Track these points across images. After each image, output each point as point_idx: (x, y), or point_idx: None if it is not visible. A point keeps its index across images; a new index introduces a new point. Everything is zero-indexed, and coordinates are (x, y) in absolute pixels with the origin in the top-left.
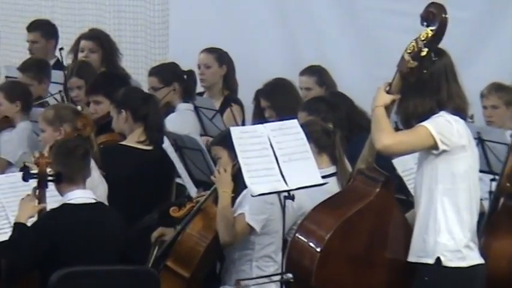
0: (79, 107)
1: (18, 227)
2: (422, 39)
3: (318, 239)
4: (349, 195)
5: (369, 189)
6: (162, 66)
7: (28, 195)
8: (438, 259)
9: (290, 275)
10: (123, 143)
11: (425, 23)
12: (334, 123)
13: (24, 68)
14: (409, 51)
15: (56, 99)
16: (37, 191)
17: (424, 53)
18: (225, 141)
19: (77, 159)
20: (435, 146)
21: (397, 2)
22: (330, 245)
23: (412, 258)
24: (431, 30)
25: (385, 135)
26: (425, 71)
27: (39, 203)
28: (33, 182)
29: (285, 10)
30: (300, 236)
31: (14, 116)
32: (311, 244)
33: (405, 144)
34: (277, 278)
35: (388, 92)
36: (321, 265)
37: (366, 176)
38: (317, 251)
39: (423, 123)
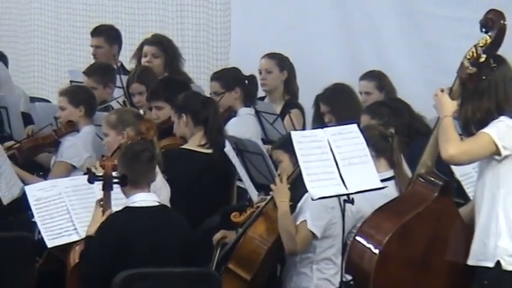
0: (141, 111)
1: (87, 240)
2: (481, 45)
3: (377, 242)
4: (408, 200)
5: (427, 193)
6: (223, 71)
7: (97, 203)
8: (498, 263)
9: (349, 277)
10: (184, 146)
11: (484, 30)
12: (396, 127)
13: (89, 72)
14: (468, 57)
15: (119, 103)
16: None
17: (482, 59)
18: (286, 145)
19: (142, 163)
20: (497, 152)
21: (457, 9)
22: (388, 248)
23: (471, 261)
24: (490, 36)
25: (451, 145)
26: (484, 77)
27: (103, 207)
28: (97, 185)
29: (346, 16)
30: (359, 239)
31: (77, 121)
32: (370, 247)
33: (470, 153)
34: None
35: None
36: (379, 268)
37: (425, 180)
38: (375, 254)
39: (485, 130)
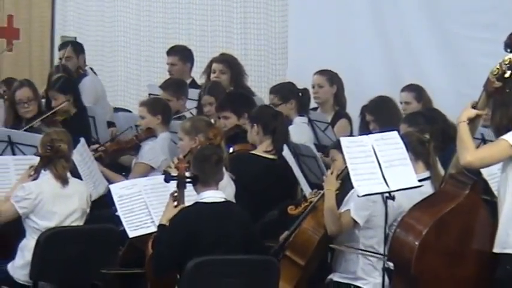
0: (212, 120)
1: (160, 228)
2: (506, 63)
3: (416, 233)
4: (442, 197)
5: (459, 191)
6: (280, 85)
7: (170, 197)
8: None
9: (391, 264)
10: (253, 152)
11: (508, 50)
12: (430, 134)
13: (165, 86)
14: (494, 73)
15: (191, 113)
16: (176, 192)
17: (507, 75)
18: (341, 146)
19: (211, 164)
20: None
21: (483, 31)
22: (426, 239)
23: (496, 249)
24: None
25: (467, 152)
26: (508, 90)
27: (177, 202)
28: (172, 184)
29: (387, 36)
30: (401, 231)
31: (155, 128)
32: (410, 238)
33: (486, 159)
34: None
35: (474, 108)
36: (419, 257)
37: (456, 180)
38: (415, 244)
39: (503, 137)
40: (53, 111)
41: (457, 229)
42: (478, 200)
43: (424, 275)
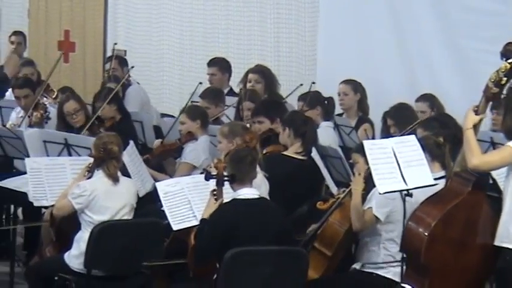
0: (248, 124)
1: (202, 222)
2: (502, 70)
3: (426, 225)
4: (448, 193)
5: (462, 188)
6: (308, 93)
7: (211, 194)
8: None
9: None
10: (284, 153)
11: (504, 58)
12: (444, 137)
13: (204, 95)
14: (492, 80)
15: (228, 118)
16: (216, 190)
17: (503, 82)
18: (362, 150)
19: (246, 165)
20: None
21: (493, 44)
22: (434, 230)
23: (497, 242)
24: (509, 63)
25: (474, 157)
26: (503, 95)
27: (217, 198)
28: (212, 182)
29: (406, 49)
30: (412, 223)
31: (195, 131)
32: (420, 230)
33: (491, 163)
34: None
35: (476, 113)
36: (428, 246)
37: (460, 177)
38: (425, 235)
39: (509, 143)
40: (95, 116)
41: (461, 222)
42: (480, 196)
43: (432, 263)
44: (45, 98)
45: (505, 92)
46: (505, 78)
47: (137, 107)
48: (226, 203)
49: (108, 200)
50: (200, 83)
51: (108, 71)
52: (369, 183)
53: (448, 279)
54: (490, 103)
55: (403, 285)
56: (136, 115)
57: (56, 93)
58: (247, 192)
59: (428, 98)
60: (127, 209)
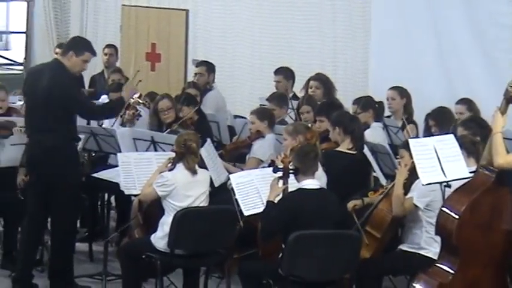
0: (309, 124)
1: (268, 203)
2: None
3: (456, 211)
4: (476, 183)
5: (487, 179)
6: (361, 98)
7: (274, 179)
8: None
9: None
10: (338, 149)
11: None
12: (480, 136)
13: (270, 98)
14: (510, 85)
15: (292, 118)
16: (281, 180)
17: None
18: (408, 146)
19: (310, 159)
20: None
21: None
22: (464, 214)
23: None
24: None
25: (499, 157)
26: None
27: (284, 182)
28: (278, 174)
29: (445, 60)
30: (445, 209)
31: (263, 130)
32: (451, 214)
33: None
34: None
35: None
36: (459, 228)
37: (486, 169)
38: (455, 218)
39: None
40: (183, 119)
41: (486, 208)
42: (503, 185)
43: (462, 244)
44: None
45: None
46: None
47: (213, 109)
48: (291, 191)
49: (188, 189)
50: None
51: (196, 75)
52: (413, 175)
53: (476, 258)
54: (510, 104)
55: (414, 284)
56: (213, 116)
57: (143, 97)
58: (310, 183)
59: (467, 102)
60: (204, 197)
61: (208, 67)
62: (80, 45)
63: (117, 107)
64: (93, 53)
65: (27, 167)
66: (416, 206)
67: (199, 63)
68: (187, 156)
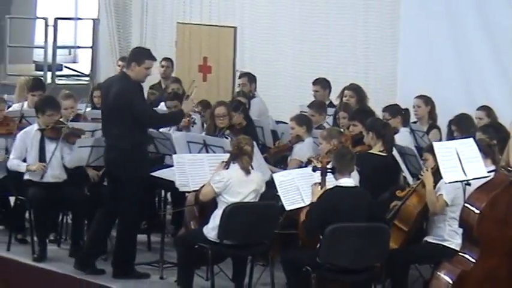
0: (342, 129)
1: (311, 204)
2: None
3: (477, 206)
4: (495, 182)
5: (506, 178)
6: (390, 105)
7: (314, 184)
8: None
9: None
10: (370, 151)
11: None
12: (497, 140)
13: (311, 106)
14: None
15: (329, 124)
16: (319, 183)
17: None
18: (432, 149)
19: (347, 160)
20: None
21: None
22: (484, 210)
23: None
24: None
25: None
26: None
27: (321, 186)
28: (317, 173)
29: (465, 72)
30: (467, 205)
31: (302, 135)
32: (473, 209)
33: None
34: None
35: None
36: (479, 222)
37: (504, 169)
38: (476, 213)
39: None
40: (232, 125)
41: (504, 204)
42: None
43: (482, 236)
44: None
45: None
46: None
47: (257, 115)
48: (329, 189)
49: (240, 186)
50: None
51: (240, 85)
52: (436, 176)
53: (494, 248)
54: None
55: (438, 272)
56: (258, 122)
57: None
58: (346, 182)
59: (486, 109)
60: (254, 194)
61: (250, 77)
62: (140, 55)
63: (176, 118)
64: (153, 59)
65: (106, 167)
66: (446, 203)
67: (242, 75)
68: (241, 157)
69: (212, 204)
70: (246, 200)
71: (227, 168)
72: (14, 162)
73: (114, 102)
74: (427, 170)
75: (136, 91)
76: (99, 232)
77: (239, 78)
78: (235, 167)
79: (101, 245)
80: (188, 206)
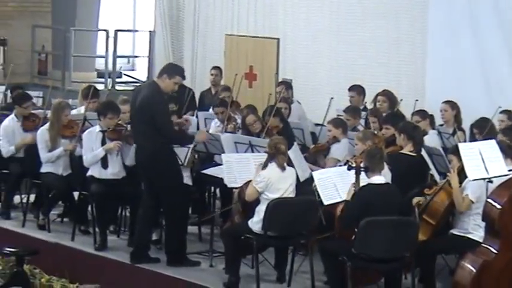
0: (375, 131)
1: (346, 202)
2: None
3: (499, 202)
4: None
5: None
6: (419, 110)
7: (351, 184)
8: None
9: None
10: (401, 151)
11: None
12: None
13: (347, 110)
14: None
15: (362, 126)
16: (354, 184)
17: None
18: (457, 151)
19: (377, 159)
20: None
21: None
22: (504, 205)
23: None
24: None
25: None
26: None
27: (354, 185)
28: (352, 171)
29: (488, 78)
30: (490, 200)
31: (338, 136)
32: (495, 204)
33: None
34: None
35: None
36: (500, 216)
37: None
38: (498, 208)
39: None
40: (267, 128)
41: None
42: None
43: (503, 229)
44: (236, 116)
45: None
46: None
47: (296, 119)
48: (363, 186)
49: (279, 183)
50: (332, 98)
51: (278, 93)
52: (460, 176)
53: None
54: None
55: (462, 262)
56: (298, 124)
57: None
58: (377, 179)
59: (507, 112)
60: (291, 189)
61: (286, 85)
62: (173, 70)
63: (185, 141)
64: (183, 77)
65: (137, 168)
66: (472, 202)
67: (280, 83)
68: (277, 156)
69: (254, 200)
70: (286, 194)
71: (265, 167)
72: (88, 157)
73: (140, 106)
74: (453, 171)
75: (161, 101)
76: (144, 227)
77: (277, 86)
78: (272, 166)
79: (149, 238)
80: (234, 204)
